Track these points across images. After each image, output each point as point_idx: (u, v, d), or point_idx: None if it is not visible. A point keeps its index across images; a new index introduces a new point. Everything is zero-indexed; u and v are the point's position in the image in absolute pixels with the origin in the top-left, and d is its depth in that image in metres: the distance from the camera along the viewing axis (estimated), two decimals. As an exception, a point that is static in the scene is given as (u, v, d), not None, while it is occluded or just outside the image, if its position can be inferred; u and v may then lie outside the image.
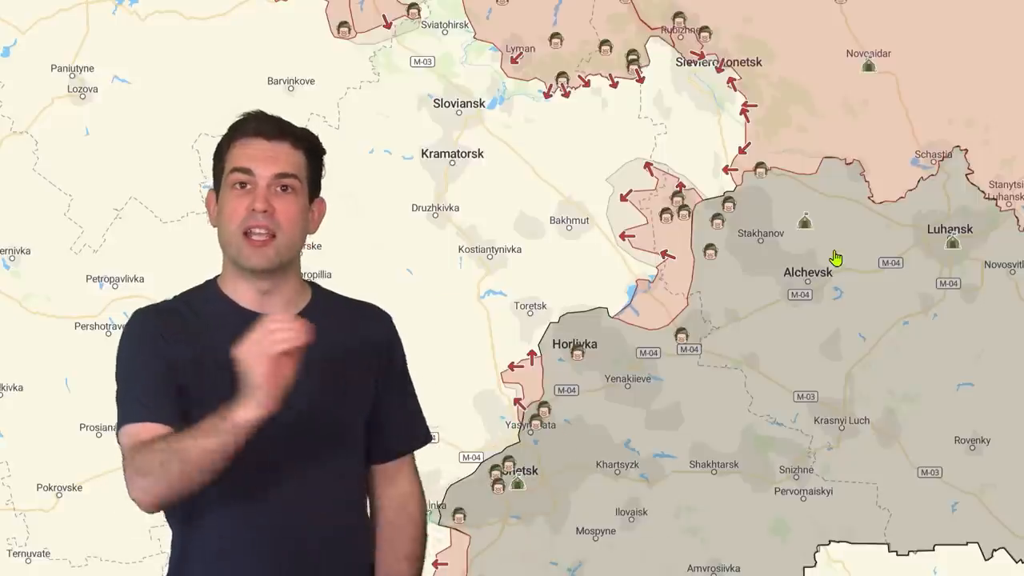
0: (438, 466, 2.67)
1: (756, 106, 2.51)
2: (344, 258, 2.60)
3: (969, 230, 2.51)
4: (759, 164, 2.52)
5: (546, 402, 2.63)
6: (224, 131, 2.06)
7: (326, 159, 2.14)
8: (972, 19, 2.58)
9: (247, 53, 2.58)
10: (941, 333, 2.50)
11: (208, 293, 2.20)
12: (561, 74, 2.52)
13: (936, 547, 2.60)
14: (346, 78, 2.57)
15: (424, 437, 2.28)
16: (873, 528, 2.59)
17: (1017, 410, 2.55)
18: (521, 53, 2.53)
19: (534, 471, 2.61)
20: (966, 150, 2.51)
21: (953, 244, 2.52)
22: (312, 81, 2.57)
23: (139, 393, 2.14)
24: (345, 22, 2.58)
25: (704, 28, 2.54)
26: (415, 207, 2.56)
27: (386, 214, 2.58)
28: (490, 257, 2.58)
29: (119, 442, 2.09)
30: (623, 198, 2.52)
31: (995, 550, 2.62)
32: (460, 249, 2.56)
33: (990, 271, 2.49)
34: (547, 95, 2.56)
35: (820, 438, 2.53)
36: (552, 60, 2.53)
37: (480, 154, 2.55)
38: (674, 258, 2.53)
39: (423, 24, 2.57)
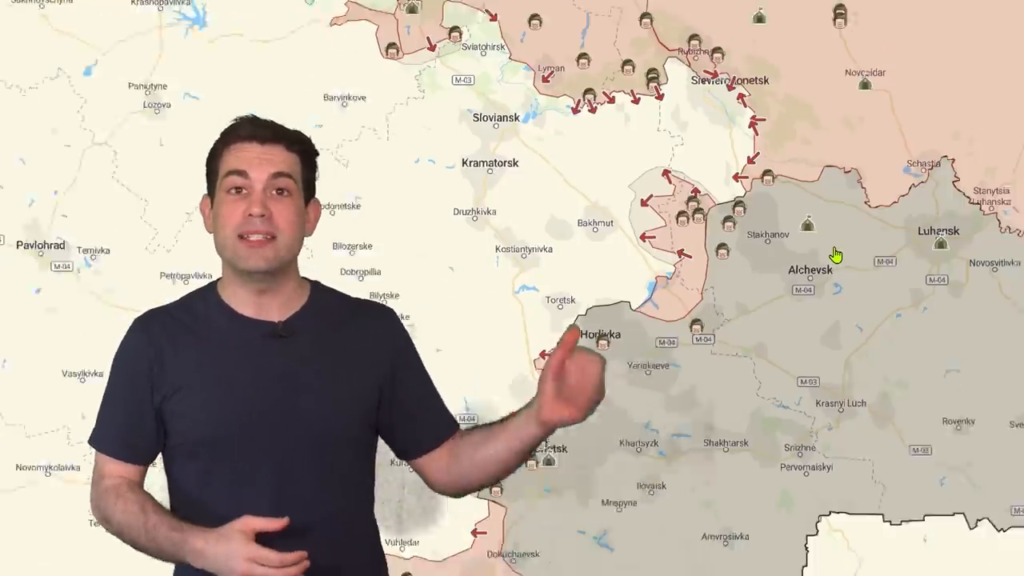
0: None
1: (764, 120, 2.59)
2: (393, 257, 2.69)
3: (956, 232, 2.59)
4: (766, 172, 2.60)
5: None
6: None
7: (374, 168, 2.52)
8: (959, 41, 2.63)
9: (305, 72, 2.69)
10: (930, 325, 2.58)
11: (208, 298, 2.25)
12: (588, 91, 2.61)
13: (926, 517, 2.70)
14: (394, 95, 2.65)
15: (450, 425, 2.28)
16: (869, 500, 2.70)
17: (999, 393, 2.62)
18: (552, 72, 2.60)
19: (563, 449, 2.70)
20: (953, 160, 2.59)
21: (941, 245, 2.60)
22: (364, 98, 2.67)
23: (111, 419, 2.24)
24: (393, 44, 2.67)
25: (717, 49, 2.61)
26: (456, 211, 2.68)
27: (430, 217, 2.67)
28: (524, 256, 2.67)
29: (90, 444, 2.25)
30: (643, 203, 2.61)
31: (979, 520, 2.72)
32: (497, 249, 2.66)
33: (974, 269, 2.60)
34: (575, 110, 2.63)
35: (821, 419, 2.63)
36: (580, 79, 2.62)
37: (515, 163, 2.65)
38: (690, 257, 2.64)
39: (463, 46, 2.66)
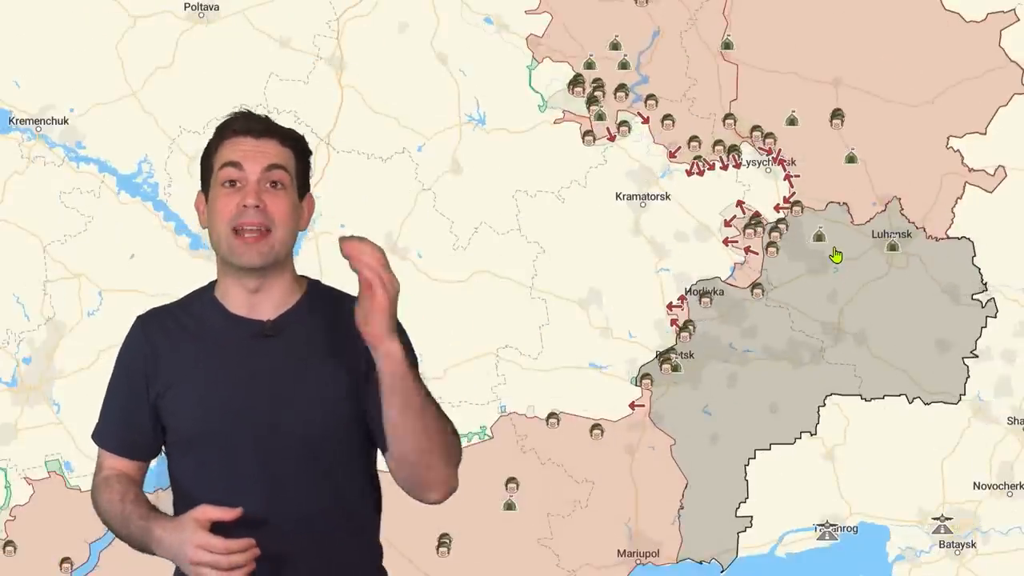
0: (635, 355, 3.61)
1: (797, 176, 3.53)
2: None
3: (907, 234, 3.53)
4: (796, 203, 3.52)
5: (690, 321, 3.58)
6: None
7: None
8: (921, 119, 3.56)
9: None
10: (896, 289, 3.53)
11: (204, 297, 2.44)
12: (697, 158, 3.54)
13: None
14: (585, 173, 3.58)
15: None
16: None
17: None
18: (678, 148, 3.53)
19: (690, 355, 3.56)
20: (900, 198, 3.54)
21: (893, 247, 3.55)
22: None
23: (111, 415, 2.47)
24: (589, 132, 3.51)
25: (769, 134, 3.53)
26: (635, 232, 3.57)
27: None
28: (667, 251, 3.58)
29: (92, 439, 2.50)
30: (727, 223, 3.55)
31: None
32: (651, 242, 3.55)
33: (912, 258, 3.54)
34: (689, 172, 3.56)
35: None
36: (690, 153, 3.55)
37: (667, 196, 3.56)
38: (755, 253, 3.56)
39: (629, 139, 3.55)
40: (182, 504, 2.39)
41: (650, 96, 3.53)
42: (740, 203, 3.58)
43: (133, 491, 2.43)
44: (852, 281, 3.55)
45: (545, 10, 3.49)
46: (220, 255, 2.35)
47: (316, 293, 2.43)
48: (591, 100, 3.50)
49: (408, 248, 3.52)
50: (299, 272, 2.45)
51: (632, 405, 3.58)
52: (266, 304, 2.36)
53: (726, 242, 3.60)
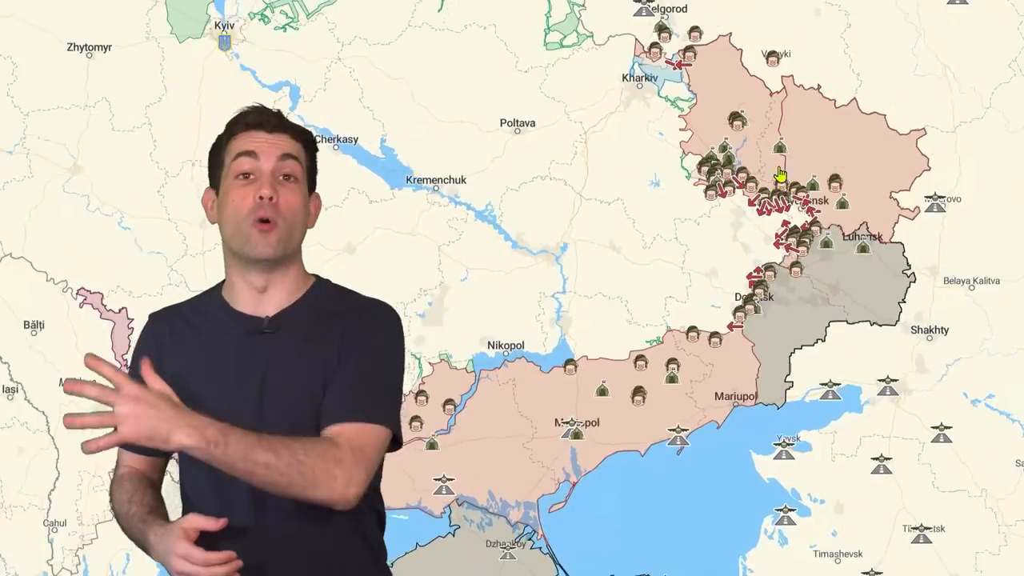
0: (723, 300, 4.49)
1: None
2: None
3: (878, 237, 4.37)
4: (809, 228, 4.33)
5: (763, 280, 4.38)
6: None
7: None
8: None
9: None
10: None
11: (212, 296, 2.51)
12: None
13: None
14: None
15: (354, 410, 2.32)
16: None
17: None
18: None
19: (771, 298, 4.34)
20: (867, 223, 4.46)
21: (863, 249, 4.40)
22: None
23: None
24: None
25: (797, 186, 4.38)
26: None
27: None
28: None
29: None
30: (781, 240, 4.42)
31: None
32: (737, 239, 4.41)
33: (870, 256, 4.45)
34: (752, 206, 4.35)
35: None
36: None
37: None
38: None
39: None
40: (185, 502, 2.47)
41: (741, 170, 4.45)
42: (785, 222, 4.56)
43: (141, 491, 2.42)
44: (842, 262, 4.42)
45: (689, 129, 4.41)
46: (233, 248, 2.35)
47: (321, 290, 2.46)
48: (711, 173, 4.39)
49: (621, 247, 4.50)
50: (308, 271, 2.50)
51: (730, 326, 4.49)
52: (271, 301, 2.40)
53: (776, 245, 4.58)
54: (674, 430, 4.43)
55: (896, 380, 4.48)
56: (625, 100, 4.38)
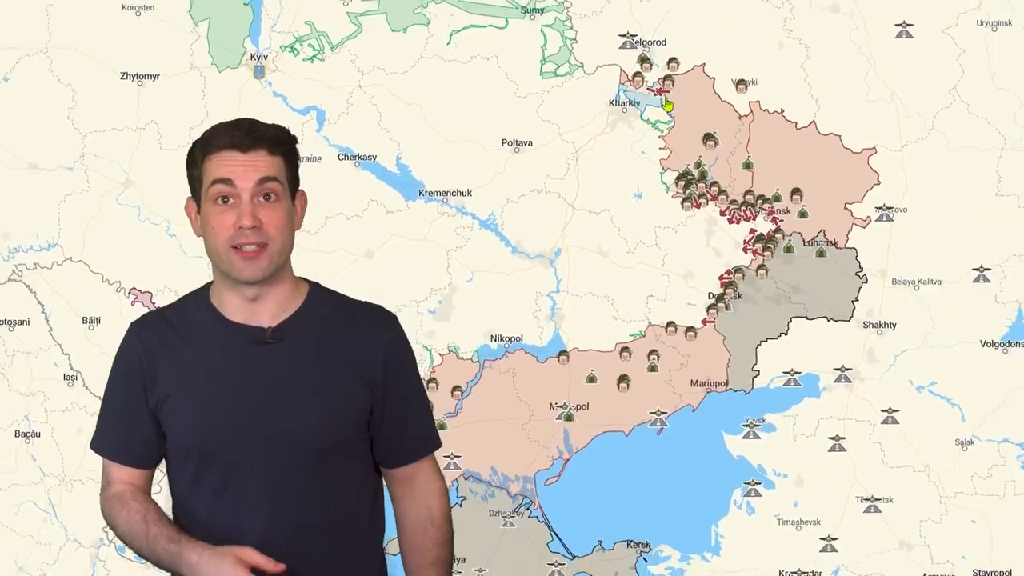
0: (698, 299, 4.60)
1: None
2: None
3: (835, 243, 4.50)
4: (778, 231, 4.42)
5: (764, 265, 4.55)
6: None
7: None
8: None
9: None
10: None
11: (199, 301, 2.35)
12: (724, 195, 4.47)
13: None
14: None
15: (431, 443, 2.37)
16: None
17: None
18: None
19: (739, 297, 4.53)
20: (825, 231, 4.57)
21: (821, 253, 4.64)
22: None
23: (111, 424, 2.31)
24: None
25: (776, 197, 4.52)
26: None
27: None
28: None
29: (91, 448, 2.36)
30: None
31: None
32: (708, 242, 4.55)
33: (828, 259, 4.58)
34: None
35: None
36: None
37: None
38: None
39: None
40: (182, 512, 2.31)
41: (713, 183, 4.60)
42: (752, 231, 4.70)
43: (154, 510, 2.28)
44: (802, 270, 4.63)
45: (668, 148, 4.57)
46: (220, 269, 2.23)
47: (318, 297, 2.34)
48: (687, 186, 4.59)
49: (609, 252, 4.60)
50: (298, 274, 2.35)
51: (704, 321, 4.67)
52: (265, 310, 2.27)
53: (744, 250, 4.73)
54: (655, 413, 4.59)
55: (850, 369, 4.64)
56: (611, 123, 4.48)
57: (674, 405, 4.62)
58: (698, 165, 4.57)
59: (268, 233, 2.23)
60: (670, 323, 4.62)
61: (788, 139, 4.56)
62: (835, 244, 4.64)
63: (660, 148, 4.56)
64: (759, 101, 4.57)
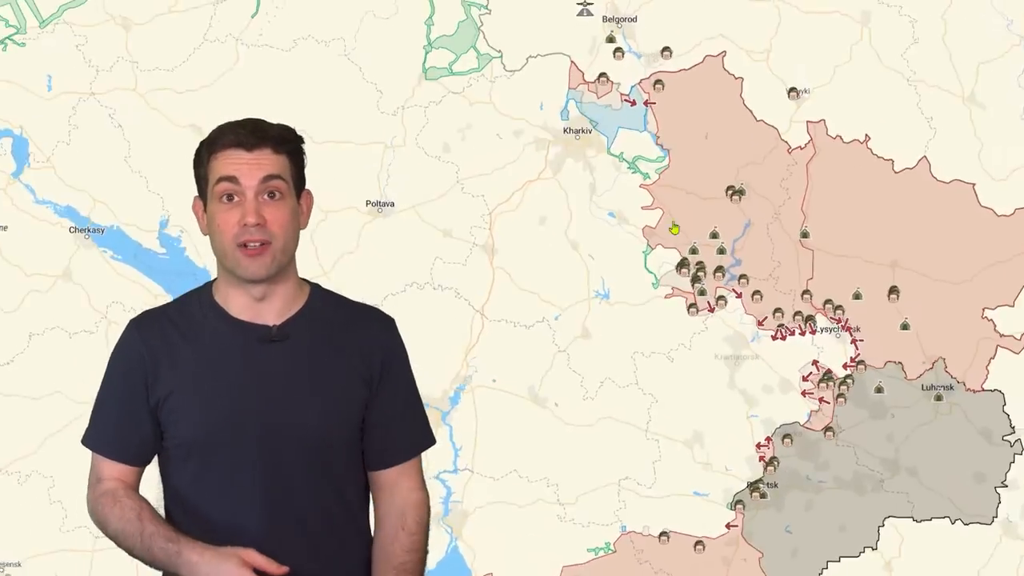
0: (730, 485, 3.72)
1: (862, 340, 3.68)
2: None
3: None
4: (860, 362, 3.67)
5: (775, 457, 3.69)
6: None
7: None
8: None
9: None
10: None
11: (203, 299, 2.32)
12: (781, 326, 3.65)
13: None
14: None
15: (422, 443, 2.40)
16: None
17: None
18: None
19: (775, 485, 3.67)
20: (944, 358, 3.70)
21: (939, 398, 3.70)
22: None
23: (107, 420, 2.29)
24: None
25: (839, 307, 3.65)
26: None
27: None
28: (753, 398, 3.73)
29: (84, 444, 2.33)
30: (804, 378, 3.67)
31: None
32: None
33: (955, 407, 3.73)
34: (773, 337, 3.68)
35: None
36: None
37: (757, 357, 3.66)
38: (827, 402, 3.72)
39: None
40: (179, 510, 2.31)
41: (742, 276, 3.66)
42: (815, 362, 3.73)
43: (148, 508, 2.30)
44: (906, 425, 3.72)
45: (657, 206, 3.63)
46: (225, 267, 2.29)
47: (320, 298, 2.38)
48: (695, 279, 3.64)
49: (547, 398, 3.68)
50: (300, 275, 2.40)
51: (728, 525, 3.74)
52: (271, 309, 2.30)
53: (803, 394, 3.74)
54: None
55: None
56: (553, 161, 3.59)
57: None
58: (714, 237, 3.60)
59: (271, 231, 2.17)
60: (663, 532, 3.64)
61: (879, 190, 3.54)
62: (964, 384, 3.63)
63: (644, 207, 3.59)
64: (824, 121, 3.58)
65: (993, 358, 3.69)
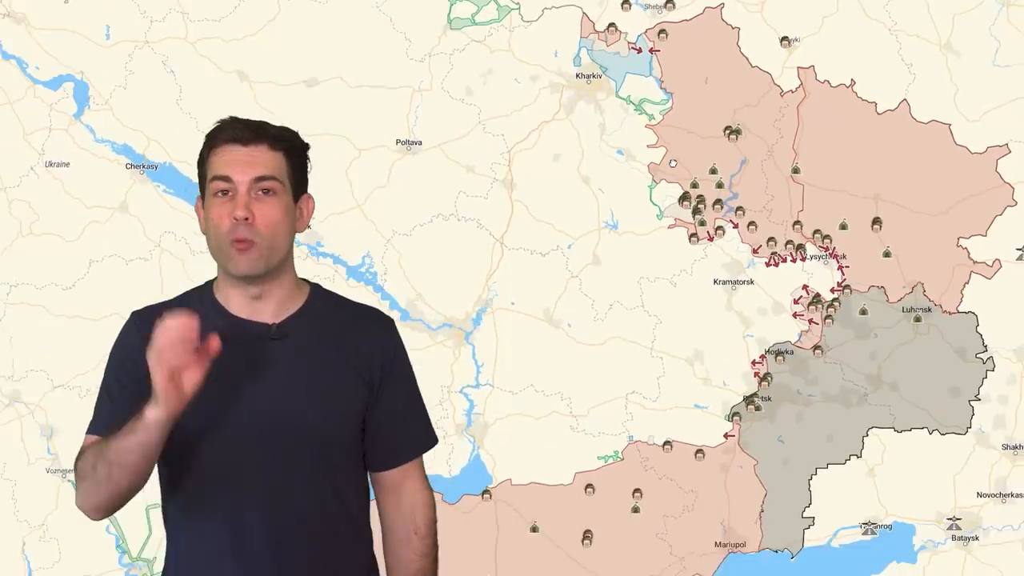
0: (728, 399, 3.80)
1: (848, 267, 3.72)
2: None
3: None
4: (846, 287, 3.72)
5: (768, 373, 3.75)
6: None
7: None
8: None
9: None
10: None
11: (203, 296, 2.30)
12: (774, 253, 3.69)
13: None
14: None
15: (425, 443, 2.38)
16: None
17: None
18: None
19: (768, 399, 3.73)
20: (923, 283, 3.74)
21: (918, 319, 3.74)
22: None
23: (104, 405, 2.24)
24: None
25: (827, 236, 3.70)
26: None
27: None
28: (748, 320, 3.80)
29: (91, 434, 2.21)
30: (795, 301, 3.73)
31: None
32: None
33: (932, 327, 3.79)
34: (767, 264, 3.71)
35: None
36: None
37: (751, 282, 3.71)
38: (816, 323, 3.76)
39: None
40: (177, 507, 2.27)
41: (739, 208, 3.73)
42: (805, 287, 3.79)
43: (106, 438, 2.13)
44: (888, 344, 3.77)
45: (661, 145, 3.71)
46: (219, 263, 2.27)
47: (319, 297, 2.35)
48: (695, 211, 3.71)
49: (561, 320, 3.74)
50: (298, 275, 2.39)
51: (725, 435, 3.80)
52: (268, 308, 2.27)
53: (794, 315, 3.78)
54: None
55: (961, 519, 3.80)
56: (566, 103, 3.73)
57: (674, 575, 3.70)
58: (712, 173, 3.69)
59: (259, 230, 2.15)
60: (667, 441, 3.75)
61: (863, 130, 3.68)
62: (941, 306, 3.73)
63: (649, 145, 3.71)
64: (814, 67, 3.70)
65: (967, 283, 3.75)
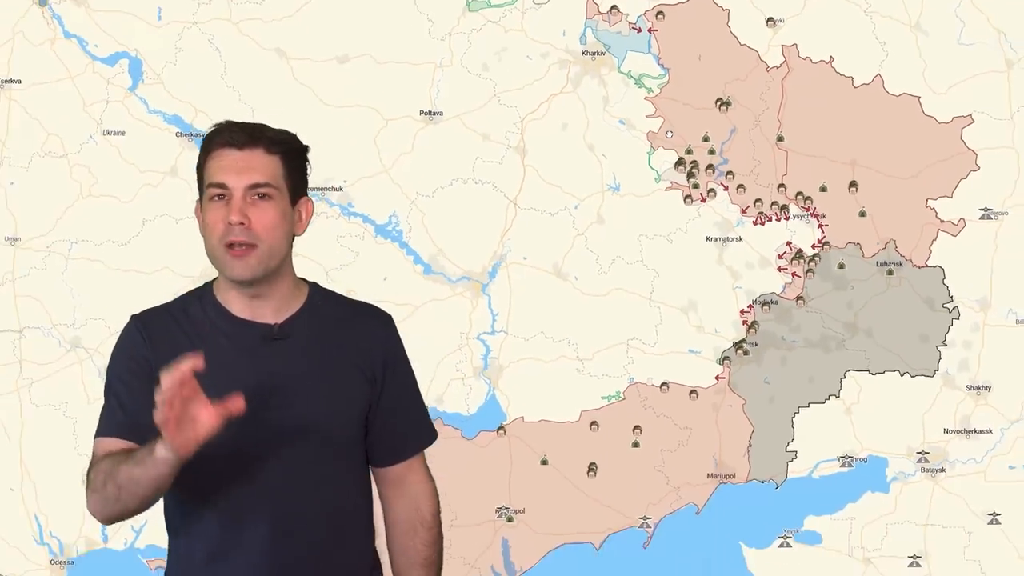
0: (719, 344, 3.96)
1: (827, 225, 3.87)
2: None
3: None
4: (826, 243, 3.87)
5: (756, 321, 3.92)
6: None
7: None
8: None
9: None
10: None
11: (205, 298, 2.28)
12: (761, 213, 3.84)
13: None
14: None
15: (427, 437, 2.40)
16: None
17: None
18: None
19: (756, 344, 3.89)
20: (895, 240, 3.91)
21: (890, 272, 3.88)
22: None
23: (112, 407, 2.18)
24: None
25: (808, 198, 3.88)
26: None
27: None
28: (737, 273, 3.93)
29: (100, 436, 2.16)
30: (779, 256, 3.87)
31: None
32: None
33: (903, 280, 3.91)
34: (754, 223, 3.88)
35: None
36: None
37: (740, 239, 3.86)
38: (799, 276, 3.91)
39: None
40: (180, 508, 2.24)
41: (729, 172, 3.89)
42: (789, 243, 3.97)
43: (117, 454, 2.11)
44: (863, 295, 3.93)
45: (659, 115, 3.89)
46: (216, 267, 2.27)
47: (319, 297, 2.34)
48: (689, 175, 3.88)
49: (568, 273, 3.92)
50: (298, 274, 2.39)
51: (717, 377, 3.95)
52: (268, 308, 2.26)
53: (779, 269, 3.96)
54: (641, 518, 3.94)
55: (929, 453, 3.97)
56: (574, 78, 3.93)
57: (668, 505, 3.96)
58: (705, 140, 3.90)
59: (255, 233, 2.15)
60: (664, 383, 3.94)
61: (841, 102, 3.89)
62: (911, 261, 3.94)
63: (648, 116, 3.94)
64: (796, 45, 3.91)
65: (935, 240, 3.93)
